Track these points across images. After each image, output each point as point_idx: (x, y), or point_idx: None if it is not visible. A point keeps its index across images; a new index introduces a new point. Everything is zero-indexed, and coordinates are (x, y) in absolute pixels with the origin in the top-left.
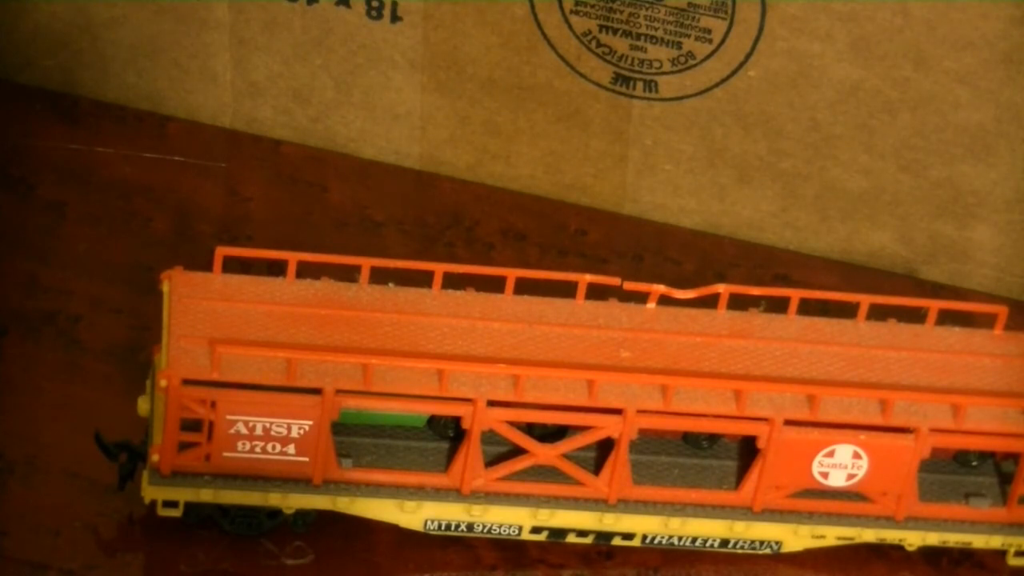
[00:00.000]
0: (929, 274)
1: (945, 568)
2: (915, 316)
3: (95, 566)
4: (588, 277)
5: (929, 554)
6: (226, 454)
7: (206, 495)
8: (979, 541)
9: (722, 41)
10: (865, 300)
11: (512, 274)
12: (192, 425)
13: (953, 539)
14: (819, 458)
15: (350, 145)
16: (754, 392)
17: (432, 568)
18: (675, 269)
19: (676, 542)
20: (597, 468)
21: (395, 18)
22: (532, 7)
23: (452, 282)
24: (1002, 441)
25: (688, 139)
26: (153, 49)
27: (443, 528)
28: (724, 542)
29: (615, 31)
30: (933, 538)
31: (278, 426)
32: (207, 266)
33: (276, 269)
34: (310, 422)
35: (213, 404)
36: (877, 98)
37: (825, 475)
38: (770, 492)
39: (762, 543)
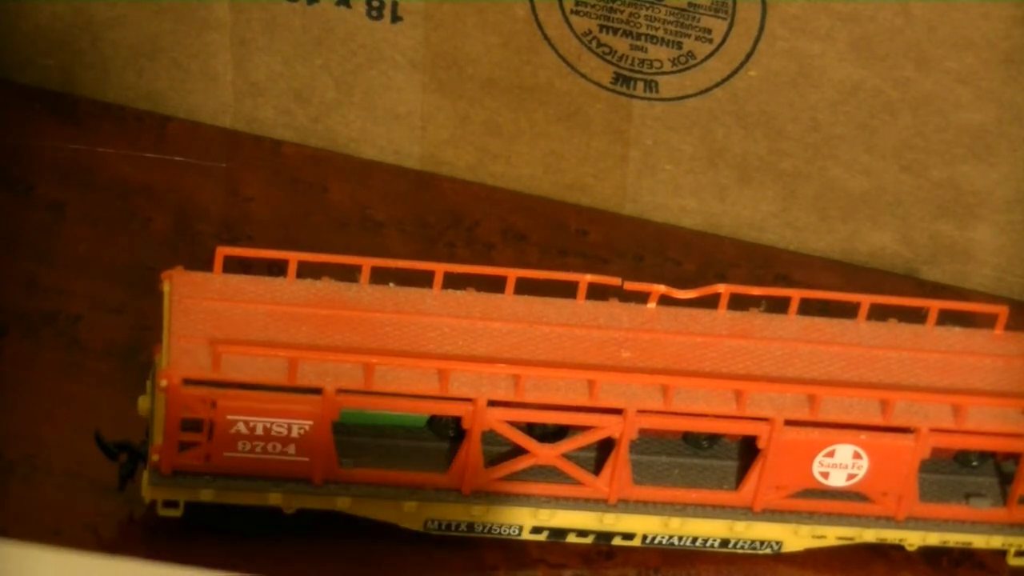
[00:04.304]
0: (930, 274)
1: (945, 568)
2: (916, 316)
3: None
4: (588, 277)
5: (929, 554)
6: (226, 454)
7: (206, 495)
8: (979, 541)
9: (722, 41)
10: (866, 300)
11: (512, 274)
12: (192, 425)
13: (953, 539)
14: (819, 458)
15: (350, 145)
16: (754, 392)
17: (432, 568)
18: (675, 269)
19: (676, 542)
20: (597, 468)
21: (395, 18)
22: (532, 7)
23: (452, 282)
24: (1002, 441)
25: (689, 139)
26: (153, 49)
27: (443, 528)
28: (724, 542)
29: (615, 31)
30: (933, 538)
31: (278, 426)
32: (207, 266)
33: (276, 269)
34: (310, 422)
35: (213, 404)
36: (878, 98)
37: (825, 475)
38: (770, 492)
39: (762, 543)
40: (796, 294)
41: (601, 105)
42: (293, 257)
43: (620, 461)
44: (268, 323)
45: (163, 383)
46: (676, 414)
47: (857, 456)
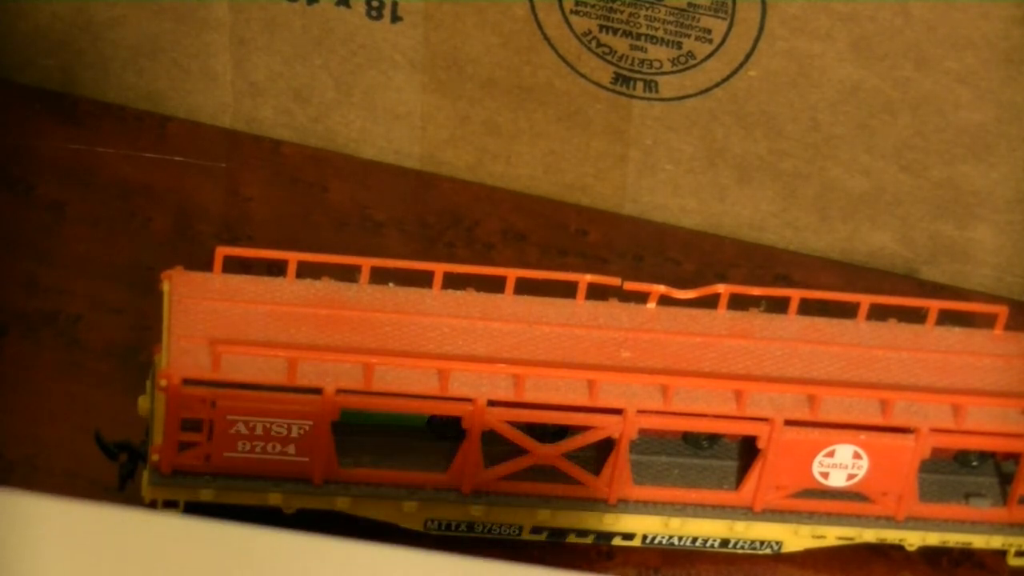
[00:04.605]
0: (929, 274)
1: (945, 568)
2: (915, 316)
3: None
4: (588, 277)
5: (929, 554)
6: (226, 454)
7: (206, 495)
8: (979, 541)
9: (722, 41)
10: (865, 300)
11: (512, 274)
12: (192, 425)
13: (953, 539)
14: (819, 458)
15: (350, 145)
16: (754, 392)
17: None
18: (675, 269)
19: (676, 542)
20: (597, 468)
21: (395, 18)
22: (532, 7)
23: (452, 282)
24: (1002, 441)
25: (688, 139)
26: (153, 49)
27: (443, 528)
28: (724, 542)
29: (615, 31)
30: (933, 538)
31: (278, 426)
32: (207, 266)
33: (276, 269)
34: (310, 422)
35: (213, 404)
36: (878, 98)
37: (825, 475)
38: (770, 492)
39: (762, 543)
40: (796, 294)
41: (601, 105)
42: (293, 257)
43: (620, 461)
44: (268, 323)
45: (163, 383)
46: (676, 414)
47: (857, 456)
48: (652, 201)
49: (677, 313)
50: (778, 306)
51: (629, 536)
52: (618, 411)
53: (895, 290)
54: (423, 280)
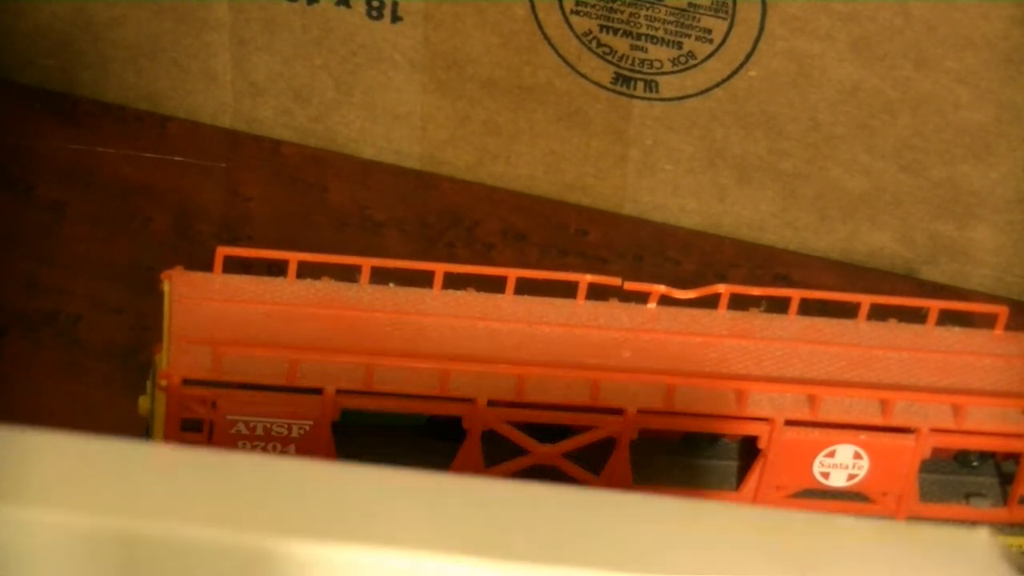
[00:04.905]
0: (929, 274)
1: None
2: (915, 316)
3: None
4: (588, 277)
5: None
6: None
7: None
8: None
9: (722, 41)
10: (865, 300)
11: (512, 274)
12: (192, 425)
13: None
14: (820, 458)
15: (350, 145)
16: (755, 392)
17: None
18: (675, 269)
19: None
20: (597, 468)
21: (395, 18)
22: (532, 7)
23: (452, 282)
24: (1002, 441)
25: (688, 139)
26: (153, 49)
27: None
28: None
29: (615, 31)
30: None
31: (279, 426)
32: (207, 266)
33: (276, 269)
34: (310, 422)
35: (214, 404)
36: (877, 98)
37: (826, 475)
38: (771, 492)
39: None
40: (796, 294)
41: (601, 105)
42: (293, 257)
43: (620, 461)
44: (268, 323)
45: (163, 383)
46: (676, 414)
47: (857, 456)
48: (652, 201)
49: (677, 313)
50: (778, 306)
51: None
52: (618, 411)
53: (895, 290)
54: (423, 280)
